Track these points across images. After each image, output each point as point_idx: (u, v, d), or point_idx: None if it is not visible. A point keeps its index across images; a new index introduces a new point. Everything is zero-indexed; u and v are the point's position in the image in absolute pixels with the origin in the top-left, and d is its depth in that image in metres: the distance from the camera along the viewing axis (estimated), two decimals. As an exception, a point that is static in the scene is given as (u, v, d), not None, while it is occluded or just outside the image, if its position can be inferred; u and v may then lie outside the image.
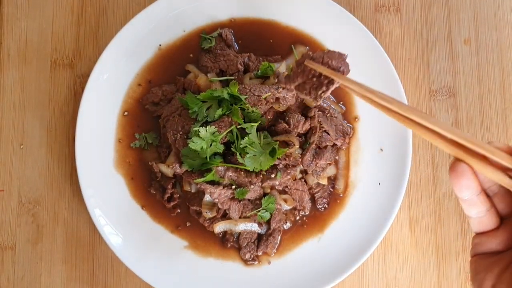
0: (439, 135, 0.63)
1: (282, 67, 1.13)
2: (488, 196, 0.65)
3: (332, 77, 0.82)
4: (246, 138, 1.01)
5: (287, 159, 1.05)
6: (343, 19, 1.13)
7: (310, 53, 0.88)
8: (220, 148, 1.02)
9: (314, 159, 1.08)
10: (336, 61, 0.84)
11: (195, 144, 0.99)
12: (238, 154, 1.02)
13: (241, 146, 1.01)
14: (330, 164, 1.12)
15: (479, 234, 0.67)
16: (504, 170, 0.60)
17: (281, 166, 1.06)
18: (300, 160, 1.07)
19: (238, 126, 1.02)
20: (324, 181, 1.13)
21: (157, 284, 1.08)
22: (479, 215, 0.65)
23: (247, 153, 1.01)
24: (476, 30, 1.21)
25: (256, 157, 1.02)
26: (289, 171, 1.06)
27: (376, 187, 1.12)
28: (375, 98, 0.71)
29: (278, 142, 1.05)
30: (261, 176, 1.05)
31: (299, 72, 0.86)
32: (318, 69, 0.83)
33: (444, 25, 1.21)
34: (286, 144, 1.07)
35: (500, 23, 1.21)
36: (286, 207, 1.11)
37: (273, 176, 1.05)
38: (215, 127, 1.02)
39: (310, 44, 1.16)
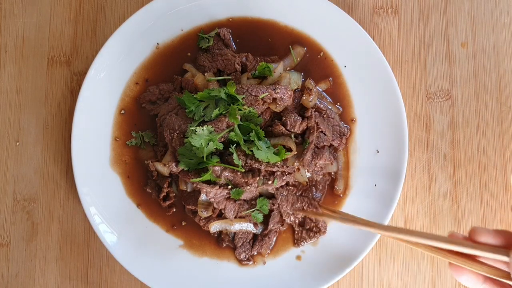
0: (432, 247, 0.74)
1: (279, 68, 1.13)
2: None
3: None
4: (252, 133, 1.02)
5: (284, 166, 1.05)
6: (341, 21, 1.13)
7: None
8: (220, 146, 1.02)
9: (313, 159, 1.08)
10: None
11: (194, 140, 1.00)
12: (235, 154, 1.02)
13: (251, 138, 1.02)
14: (331, 164, 1.12)
15: None
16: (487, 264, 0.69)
17: (278, 173, 1.06)
18: (296, 168, 1.07)
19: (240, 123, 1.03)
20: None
21: (152, 283, 1.08)
22: None
23: (255, 145, 1.01)
24: (473, 34, 1.22)
25: (262, 151, 1.02)
26: (284, 178, 1.07)
27: (372, 188, 1.12)
28: (355, 225, 0.89)
29: (276, 146, 1.05)
30: (257, 178, 1.05)
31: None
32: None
33: (442, 28, 1.22)
34: (283, 148, 1.07)
35: (497, 27, 1.22)
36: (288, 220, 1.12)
37: (270, 182, 1.05)
38: (212, 127, 1.02)
39: (308, 45, 1.16)
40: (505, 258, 0.66)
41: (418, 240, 0.76)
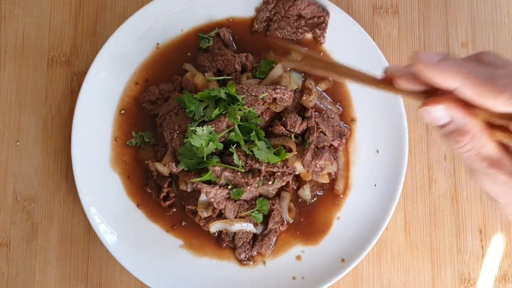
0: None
1: (279, 68, 1.13)
2: None
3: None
4: (253, 133, 1.02)
5: (284, 167, 1.06)
6: (341, 21, 1.13)
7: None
8: (220, 146, 1.02)
9: (313, 159, 1.09)
10: None
11: (194, 140, 1.00)
12: (235, 155, 1.02)
13: (251, 138, 1.02)
14: (331, 164, 1.12)
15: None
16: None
17: (279, 173, 1.06)
18: (296, 168, 1.08)
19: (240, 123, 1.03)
20: (325, 179, 1.13)
21: (152, 283, 1.08)
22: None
23: (255, 146, 1.02)
24: (473, 34, 1.22)
25: (263, 151, 1.02)
26: (284, 178, 1.07)
27: (372, 188, 1.12)
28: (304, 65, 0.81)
29: (276, 147, 1.05)
30: (257, 178, 1.05)
31: None
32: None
33: (442, 28, 1.22)
34: (283, 148, 1.07)
35: (497, 27, 1.22)
36: (288, 218, 1.13)
37: (270, 182, 1.06)
38: (212, 127, 1.02)
39: (307, 45, 1.16)
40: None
41: (352, 79, 0.74)
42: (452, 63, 0.60)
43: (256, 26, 1.16)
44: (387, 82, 0.68)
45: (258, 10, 1.16)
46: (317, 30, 1.14)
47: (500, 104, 0.57)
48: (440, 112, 0.62)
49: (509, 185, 0.63)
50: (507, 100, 0.56)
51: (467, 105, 0.61)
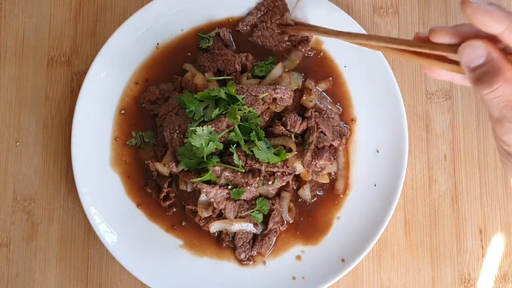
0: (400, 50, 0.80)
1: (279, 68, 1.13)
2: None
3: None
4: (253, 133, 1.02)
5: (284, 167, 1.06)
6: (341, 21, 1.13)
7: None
8: (220, 146, 1.02)
9: (313, 159, 1.09)
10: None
11: (195, 140, 1.00)
12: (235, 155, 1.02)
13: (251, 138, 1.02)
14: (331, 164, 1.12)
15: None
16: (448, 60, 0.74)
17: (279, 173, 1.06)
18: (296, 168, 1.07)
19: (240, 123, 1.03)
20: (325, 179, 1.13)
21: (152, 283, 1.08)
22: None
23: (255, 146, 1.02)
24: (473, 34, 1.22)
25: (263, 151, 1.02)
26: (284, 178, 1.07)
27: (372, 188, 1.12)
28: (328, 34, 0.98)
29: (276, 147, 1.05)
30: (258, 178, 1.05)
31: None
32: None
33: (442, 28, 1.22)
34: (283, 148, 1.07)
35: (497, 27, 1.22)
36: (288, 218, 1.12)
37: (270, 182, 1.05)
38: (212, 127, 1.02)
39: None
40: (456, 56, 0.69)
41: (385, 44, 0.82)
42: (500, 8, 0.63)
43: (240, 26, 1.16)
44: (420, 41, 0.75)
45: (249, 13, 1.16)
46: (299, 46, 1.15)
47: None
48: (480, 50, 0.65)
49: None
50: None
51: (504, 52, 0.65)
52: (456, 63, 0.72)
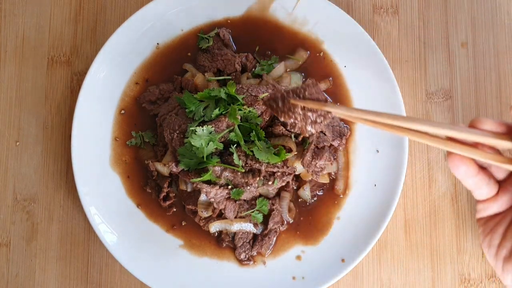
0: (429, 135, 0.70)
1: (280, 67, 1.13)
2: (484, 168, 0.70)
3: (325, 108, 0.83)
4: (253, 133, 1.02)
5: (284, 167, 1.06)
6: (341, 21, 1.13)
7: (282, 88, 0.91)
8: (220, 146, 1.02)
9: (313, 159, 1.09)
10: (315, 92, 0.85)
11: (195, 140, 1.00)
12: (235, 155, 1.02)
13: (251, 138, 1.02)
14: (331, 164, 1.12)
15: (481, 201, 0.72)
16: (491, 148, 0.67)
17: (279, 173, 1.06)
18: (296, 168, 1.07)
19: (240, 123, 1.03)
20: (325, 179, 1.13)
21: (152, 283, 1.08)
22: (481, 188, 0.70)
23: (255, 146, 1.02)
24: (473, 34, 1.22)
25: (263, 151, 1.02)
26: (284, 178, 1.07)
27: (372, 188, 1.12)
28: (363, 116, 0.77)
29: (276, 147, 1.05)
30: (257, 178, 1.05)
31: (287, 111, 0.86)
32: (305, 104, 0.84)
33: (442, 28, 1.22)
34: (283, 148, 1.07)
35: (497, 27, 1.22)
36: (288, 218, 1.13)
37: (270, 182, 1.06)
38: (212, 127, 1.02)
39: (307, 45, 1.16)
40: (509, 144, 0.64)
41: (417, 127, 0.69)
42: None
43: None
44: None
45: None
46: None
47: None
48: None
49: None
50: None
51: None
52: (498, 152, 0.66)
